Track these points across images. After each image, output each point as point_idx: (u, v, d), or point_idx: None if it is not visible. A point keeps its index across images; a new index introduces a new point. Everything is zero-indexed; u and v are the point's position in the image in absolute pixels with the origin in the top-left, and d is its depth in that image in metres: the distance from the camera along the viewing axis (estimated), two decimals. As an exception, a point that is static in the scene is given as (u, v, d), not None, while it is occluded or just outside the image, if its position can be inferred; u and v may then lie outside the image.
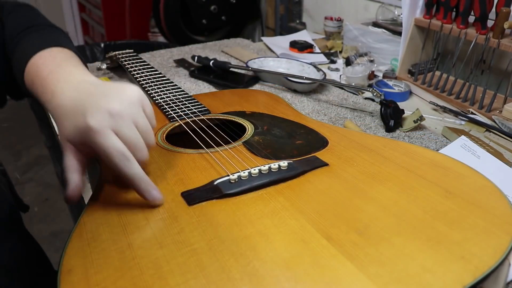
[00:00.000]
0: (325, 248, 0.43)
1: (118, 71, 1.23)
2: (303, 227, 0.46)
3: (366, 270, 0.40)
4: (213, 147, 0.65)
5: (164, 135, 0.70)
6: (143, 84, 0.92)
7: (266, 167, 0.56)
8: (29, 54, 0.61)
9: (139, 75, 0.97)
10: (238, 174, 0.55)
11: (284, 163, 0.57)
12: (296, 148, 0.64)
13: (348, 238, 0.44)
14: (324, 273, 0.40)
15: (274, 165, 0.56)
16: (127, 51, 1.17)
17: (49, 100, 0.54)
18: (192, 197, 0.52)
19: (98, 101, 0.49)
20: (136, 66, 1.04)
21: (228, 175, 0.55)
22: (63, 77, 0.56)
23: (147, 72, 0.99)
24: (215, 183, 0.54)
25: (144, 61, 1.08)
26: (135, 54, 1.14)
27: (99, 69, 1.23)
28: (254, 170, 0.55)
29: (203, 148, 0.64)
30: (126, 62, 1.08)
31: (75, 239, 0.46)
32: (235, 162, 0.60)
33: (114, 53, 1.18)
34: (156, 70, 1.00)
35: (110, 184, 0.56)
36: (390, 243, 0.43)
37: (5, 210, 0.58)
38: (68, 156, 0.51)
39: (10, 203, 0.60)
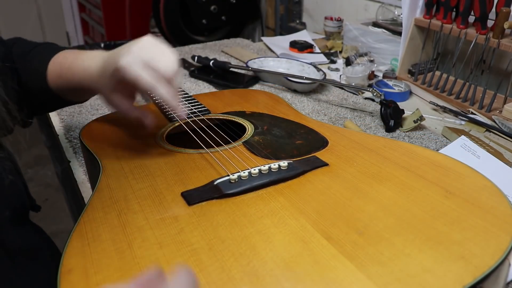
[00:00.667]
0: (325, 248, 0.43)
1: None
2: (303, 227, 0.46)
3: (366, 270, 0.40)
4: (213, 147, 0.65)
5: (164, 135, 0.70)
6: None
7: (266, 167, 0.56)
8: (47, 58, 0.68)
9: None
10: (238, 174, 0.55)
11: (284, 163, 0.56)
12: (296, 148, 0.64)
13: (348, 238, 0.44)
14: (324, 273, 0.40)
15: (274, 165, 0.56)
16: None
17: (82, 77, 0.64)
18: (192, 197, 0.52)
19: (122, 49, 0.58)
20: None
21: (228, 175, 0.55)
22: (88, 57, 0.65)
23: None
24: (215, 183, 0.54)
25: None
26: None
27: None
28: (254, 170, 0.55)
29: (203, 148, 0.64)
30: None
31: (75, 239, 0.46)
32: (235, 162, 0.60)
33: None
34: None
35: (110, 184, 0.56)
36: (390, 243, 0.43)
37: (21, 201, 0.59)
38: (121, 106, 0.62)
39: (24, 199, 0.61)
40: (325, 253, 0.42)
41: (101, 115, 0.81)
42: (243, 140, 0.67)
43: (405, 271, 0.39)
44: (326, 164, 0.59)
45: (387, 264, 0.40)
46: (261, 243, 0.44)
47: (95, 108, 1.02)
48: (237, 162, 0.59)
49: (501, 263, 0.39)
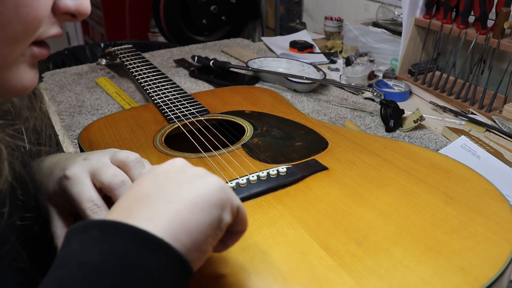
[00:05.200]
0: (324, 260, 0.42)
1: (119, 70, 1.23)
2: (301, 237, 0.45)
3: (365, 283, 0.39)
4: (212, 150, 0.64)
5: (163, 138, 0.70)
6: (142, 83, 0.92)
7: (265, 173, 0.55)
8: None
9: (137, 72, 0.97)
10: (236, 181, 0.54)
11: (283, 169, 0.56)
12: (296, 151, 0.63)
13: (346, 249, 0.43)
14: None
15: (273, 170, 0.56)
16: (127, 46, 1.17)
17: (36, 164, 0.53)
18: None
19: (78, 156, 0.50)
20: (135, 63, 1.03)
21: (227, 182, 0.54)
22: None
23: (146, 69, 0.98)
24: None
25: (143, 57, 1.08)
26: (134, 49, 1.14)
27: (98, 64, 1.24)
28: (253, 176, 0.55)
29: (201, 152, 0.64)
30: (125, 59, 1.08)
31: None
32: (233, 168, 0.59)
33: (113, 48, 1.18)
34: (154, 67, 1.00)
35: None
36: (389, 254, 0.42)
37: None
38: (55, 222, 0.50)
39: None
40: (324, 265, 0.42)
41: (100, 116, 0.81)
42: (242, 143, 0.66)
43: (404, 284, 0.39)
44: (325, 168, 0.58)
45: (386, 277, 0.40)
46: (259, 256, 0.43)
47: (95, 108, 1.02)
48: (236, 168, 0.59)
49: (501, 274, 0.39)
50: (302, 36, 1.54)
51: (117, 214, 0.35)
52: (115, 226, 0.32)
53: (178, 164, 0.39)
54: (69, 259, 0.31)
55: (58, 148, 0.60)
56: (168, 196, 0.35)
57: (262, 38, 1.55)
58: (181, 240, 0.33)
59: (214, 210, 0.35)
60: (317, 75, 1.14)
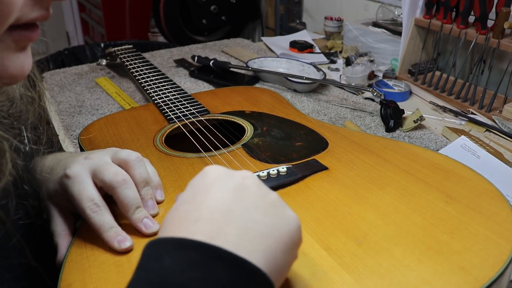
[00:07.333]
0: (324, 260, 0.42)
1: (119, 70, 1.23)
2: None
3: (365, 283, 0.39)
4: (212, 150, 0.64)
5: (163, 138, 0.70)
6: (142, 83, 0.92)
7: (265, 173, 0.55)
8: None
9: (138, 73, 0.97)
10: None
11: (283, 168, 0.56)
12: (296, 151, 0.63)
13: (347, 248, 0.43)
14: (322, 287, 0.39)
15: (273, 170, 0.56)
16: (127, 46, 1.17)
17: (37, 163, 0.53)
18: None
19: (79, 155, 0.50)
20: (135, 64, 1.03)
21: None
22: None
23: (146, 70, 0.99)
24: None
25: (143, 58, 1.08)
26: (134, 50, 1.15)
27: (98, 64, 1.25)
28: None
29: (202, 152, 0.64)
30: (125, 59, 1.08)
31: (74, 252, 0.45)
32: (234, 167, 0.59)
33: (114, 49, 1.18)
34: (155, 68, 1.00)
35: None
36: (389, 254, 0.42)
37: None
38: (55, 220, 0.50)
39: None
40: (324, 265, 0.42)
41: (100, 116, 0.81)
42: (242, 143, 0.66)
43: (404, 284, 0.39)
44: (325, 168, 0.58)
45: (386, 277, 0.40)
46: None
47: (95, 108, 1.02)
48: (236, 168, 0.59)
49: (501, 274, 0.39)
50: (302, 36, 1.54)
51: (206, 228, 0.34)
52: (216, 252, 0.32)
53: (254, 181, 0.39)
54: (165, 278, 0.31)
55: (58, 142, 0.60)
56: (259, 228, 0.35)
57: (262, 38, 1.55)
58: (273, 277, 0.34)
59: (295, 250, 0.37)
60: (317, 75, 1.14)
